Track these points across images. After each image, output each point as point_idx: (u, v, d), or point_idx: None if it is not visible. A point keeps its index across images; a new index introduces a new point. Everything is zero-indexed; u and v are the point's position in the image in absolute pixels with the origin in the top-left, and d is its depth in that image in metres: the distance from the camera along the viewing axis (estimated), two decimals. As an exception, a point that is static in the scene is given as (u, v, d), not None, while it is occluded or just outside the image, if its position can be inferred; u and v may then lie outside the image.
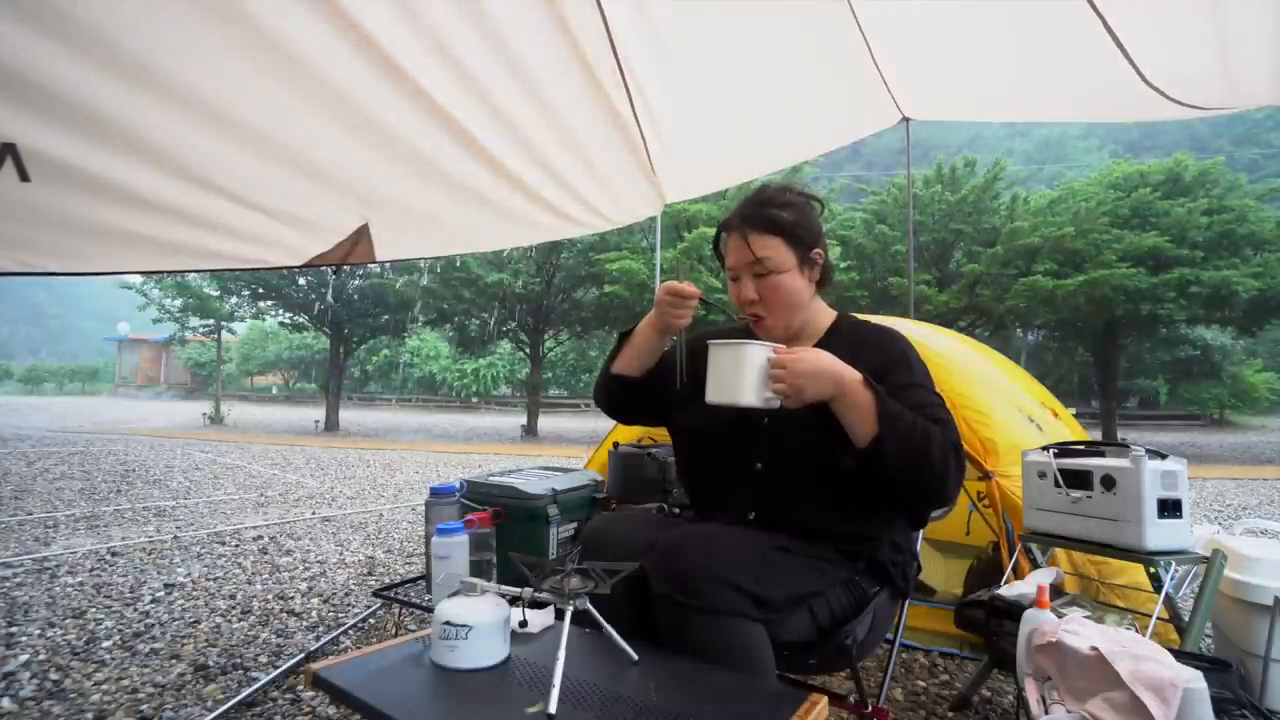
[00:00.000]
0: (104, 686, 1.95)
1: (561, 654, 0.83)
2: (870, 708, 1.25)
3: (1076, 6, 1.92)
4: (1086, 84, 2.35)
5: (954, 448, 1.09)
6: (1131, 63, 2.07)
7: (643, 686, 0.87)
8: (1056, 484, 1.67)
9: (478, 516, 1.82)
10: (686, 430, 1.34)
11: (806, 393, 1.06)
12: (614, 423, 1.70)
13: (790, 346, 1.28)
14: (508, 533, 1.97)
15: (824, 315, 1.32)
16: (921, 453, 1.05)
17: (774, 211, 1.21)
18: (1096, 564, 1.93)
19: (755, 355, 1.10)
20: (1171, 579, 1.59)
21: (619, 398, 1.35)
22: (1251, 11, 1.81)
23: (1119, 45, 2.01)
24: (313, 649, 2.23)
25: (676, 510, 2.05)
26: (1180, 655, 1.10)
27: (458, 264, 13.86)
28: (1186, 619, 1.58)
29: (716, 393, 1.12)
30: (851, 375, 1.07)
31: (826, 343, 1.27)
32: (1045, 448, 1.75)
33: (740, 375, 1.10)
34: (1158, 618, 1.48)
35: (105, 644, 2.28)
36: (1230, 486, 7.37)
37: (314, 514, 4.92)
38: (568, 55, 1.95)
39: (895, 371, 1.18)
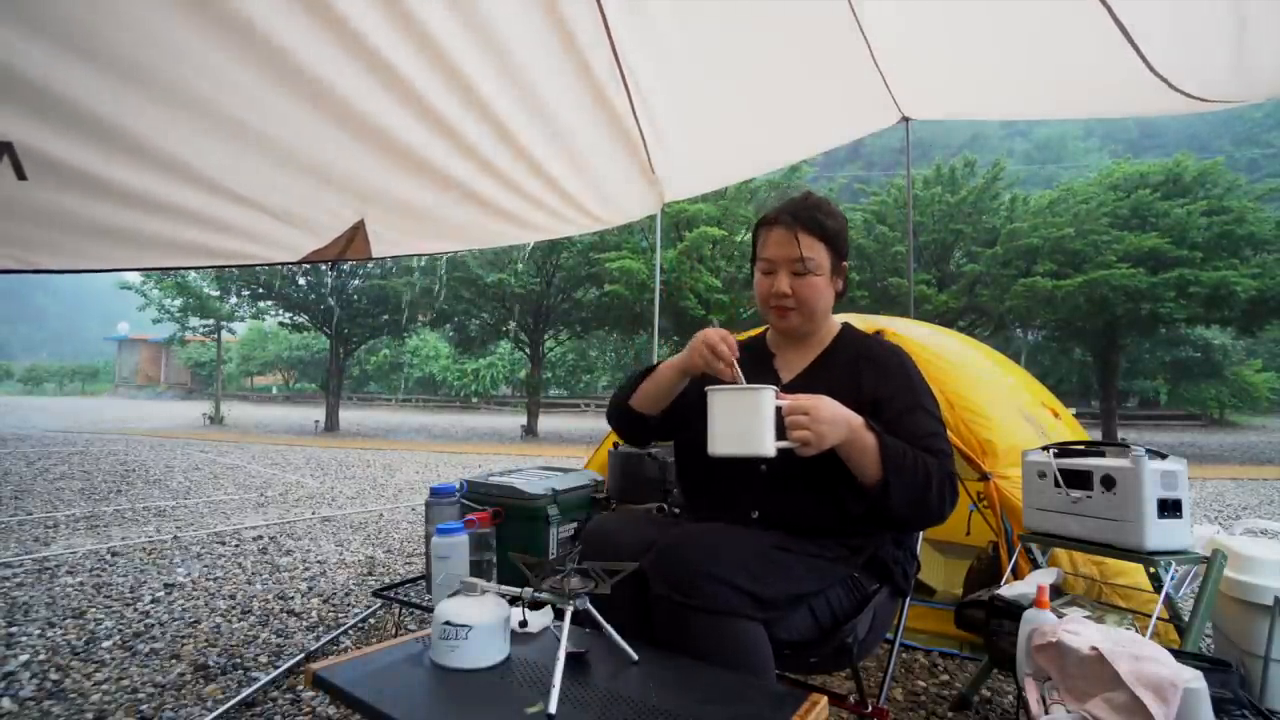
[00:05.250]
0: (104, 686, 1.95)
1: (561, 654, 0.83)
2: (870, 708, 1.25)
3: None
4: (1091, 78, 2.30)
5: (949, 480, 1.14)
6: (1140, 53, 2.02)
7: (643, 686, 0.87)
8: (1056, 484, 1.67)
9: (478, 516, 1.82)
10: (693, 442, 1.34)
11: (828, 439, 1.05)
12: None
13: (798, 353, 1.34)
14: (508, 533, 1.97)
15: (832, 324, 1.38)
16: (922, 490, 1.10)
17: (823, 217, 1.25)
18: (1097, 564, 1.92)
19: (768, 401, 1.04)
20: (1171, 579, 1.59)
21: (634, 430, 1.38)
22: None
23: (1126, 35, 1.96)
24: (313, 649, 2.23)
25: (676, 510, 2.04)
26: (1180, 655, 1.10)
27: (458, 263, 13.87)
28: (1186, 619, 1.58)
29: (728, 443, 1.05)
30: (856, 419, 1.09)
31: (833, 350, 1.32)
32: (1045, 447, 1.75)
33: (759, 424, 1.03)
34: (1158, 618, 1.48)
35: (105, 644, 2.27)
36: (1230, 486, 7.37)
37: (314, 514, 4.91)
38: (567, 54, 1.95)
39: (900, 395, 1.21)
